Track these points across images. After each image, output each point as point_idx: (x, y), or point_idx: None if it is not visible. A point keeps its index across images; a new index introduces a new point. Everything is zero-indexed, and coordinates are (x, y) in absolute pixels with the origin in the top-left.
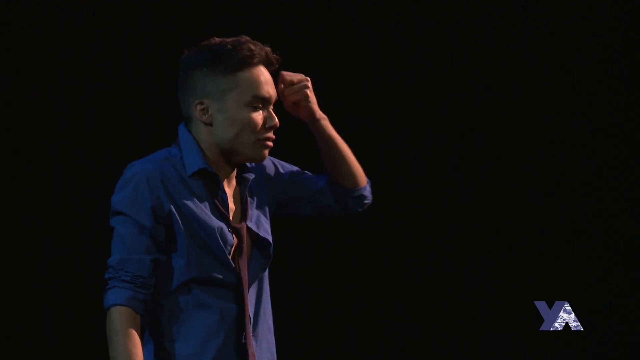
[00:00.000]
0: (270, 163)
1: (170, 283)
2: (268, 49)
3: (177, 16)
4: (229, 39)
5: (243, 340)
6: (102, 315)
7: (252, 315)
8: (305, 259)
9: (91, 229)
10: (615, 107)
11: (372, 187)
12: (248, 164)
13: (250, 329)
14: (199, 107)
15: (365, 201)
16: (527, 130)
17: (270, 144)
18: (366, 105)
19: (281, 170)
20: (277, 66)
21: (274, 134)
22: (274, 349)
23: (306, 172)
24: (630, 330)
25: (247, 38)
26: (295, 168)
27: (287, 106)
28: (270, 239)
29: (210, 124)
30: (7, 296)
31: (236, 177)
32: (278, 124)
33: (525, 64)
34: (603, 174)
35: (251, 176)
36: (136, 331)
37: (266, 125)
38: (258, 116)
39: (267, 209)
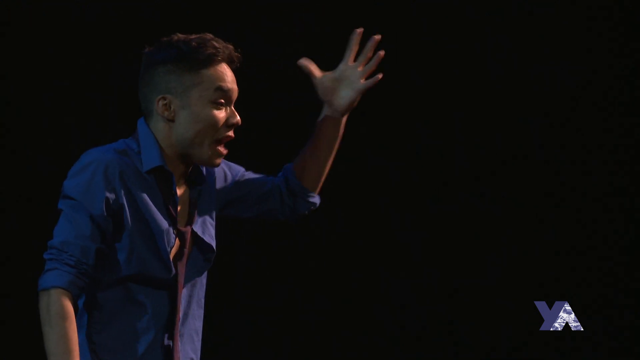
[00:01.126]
0: (220, 166)
1: (107, 276)
2: (231, 46)
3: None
4: (193, 36)
5: (167, 341)
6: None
7: (181, 317)
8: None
9: None
10: (616, 107)
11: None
12: (197, 168)
13: (178, 330)
14: (161, 102)
15: (310, 209)
16: (527, 129)
17: (225, 151)
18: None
19: (230, 172)
20: (238, 65)
21: (234, 133)
22: (199, 352)
23: (252, 173)
24: (631, 330)
25: (211, 36)
26: (242, 169)
27: (337, 78)
28: (214, 245)
29: (172, 120)
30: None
31: (187, 179)
32: (240, 122)
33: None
34: (603, 173)
35: (203, 181)
36: (74, 317)
37: (228, 123)
38: (220, 114)
39: (213, 213)
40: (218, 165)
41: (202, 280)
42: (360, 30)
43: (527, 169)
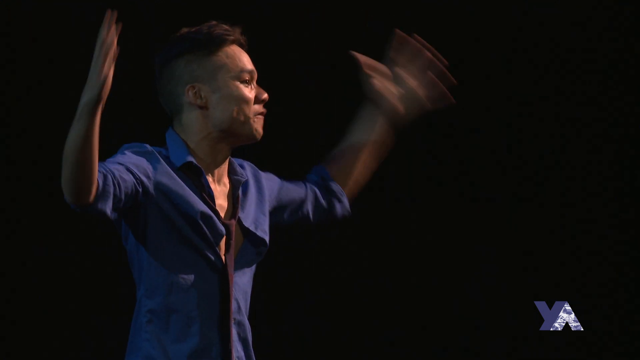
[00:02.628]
0: (263, 173)
1: (154, 274)
2: (238, 30)
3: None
4: (200, 26)
5: (223, 330)
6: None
7: (234, 306)
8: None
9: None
10: (617, 107)
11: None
12: (239, 169)
13: (232, 319)
14: (191, 92)
15: (345, 215)
16: (527, 129)
17: (263, 118)
18: None
19: (273, 183)
20: (246, 47)
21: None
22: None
23: (287, 181)
24: (631, 330)
25: (215, 22)
26: (277, 177)
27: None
28: (267, 239)
29: (206, 107)
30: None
31: (228, 177)
32: (268, 97)
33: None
34: (603, 173)
35: (244, 178)
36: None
37: (258, 99)
38: (250, 91)
39: (266, 209)
40: (261, 134)
41: (251, 271)
42: (398, 31)
43: (528, 168)
